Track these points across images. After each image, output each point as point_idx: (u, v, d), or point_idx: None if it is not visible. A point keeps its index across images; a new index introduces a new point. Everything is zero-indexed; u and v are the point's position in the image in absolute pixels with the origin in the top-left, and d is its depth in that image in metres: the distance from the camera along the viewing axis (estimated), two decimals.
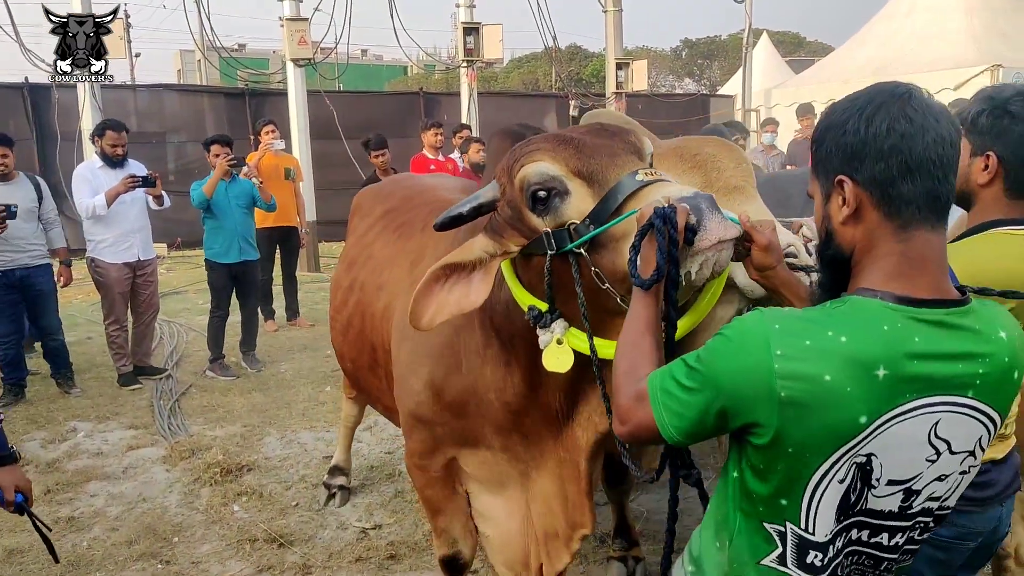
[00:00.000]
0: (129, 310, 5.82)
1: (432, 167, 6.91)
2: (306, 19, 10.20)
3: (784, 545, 1.15)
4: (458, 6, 11.87)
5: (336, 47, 11.35)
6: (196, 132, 12.59)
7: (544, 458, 2.08)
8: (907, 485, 1.11)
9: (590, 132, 1.67)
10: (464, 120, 11.64)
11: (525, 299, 1.75)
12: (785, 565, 1.16)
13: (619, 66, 12.91)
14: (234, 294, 6.05)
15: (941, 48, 11.62)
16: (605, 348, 1.59)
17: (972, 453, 1.14)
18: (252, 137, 11.32)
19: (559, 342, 1.68)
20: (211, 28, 10.68)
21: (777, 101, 14.00)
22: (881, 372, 1.03)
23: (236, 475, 4.16)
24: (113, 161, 5.58)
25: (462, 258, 1.71)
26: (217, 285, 5.97)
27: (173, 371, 6.03)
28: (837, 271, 1.18)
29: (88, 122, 8.99)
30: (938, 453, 1.10)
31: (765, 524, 1.16)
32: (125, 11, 16.38)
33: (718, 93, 19.11)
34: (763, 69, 17.60)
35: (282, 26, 10.10)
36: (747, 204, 1.91)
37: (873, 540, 1.17)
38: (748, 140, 8.19)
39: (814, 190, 1.20)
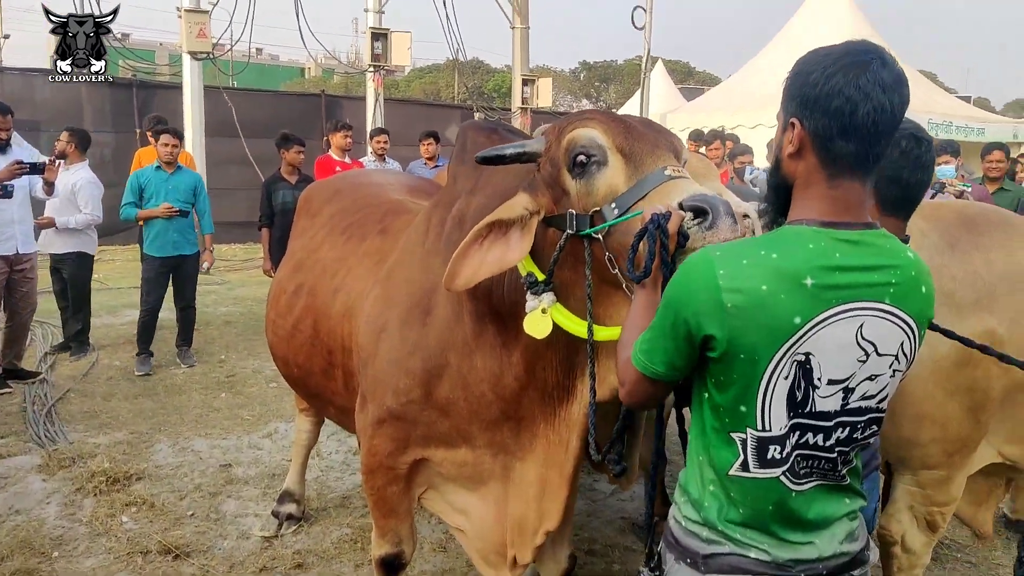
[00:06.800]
0: (2, 308, 5.35)
1: (338, 169, 6.74)
2: (206, 12, 9.81)
3: (745, 452, 1.31)
4: (366, 11, 11.73)
5: (234, 44, 10.95)
6: (72, 122, 11.71)
7: (533, 444, 2.06)
8: (844, 384, 1.28)
9: (641, 122, 1.79)
10: (370, 125, 11.48)
11: (527, 265, 1.82)
12: (747, 470, 1.31)
13: (525, 82, 13.12)
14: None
15: None
16: (600, 331, 1.73)
17: (896, 357, 1.31)
18: (138, 131, 10.74)
19: (543, 311, 1.78)
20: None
21: (671, 125, 14.59)
22: (809, 282, 1.22)
23: (124, 484, 3.89)
24: None
25: (505, 215, 1.77)
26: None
27: (48, 374, 5.59)
28: (783, 197, 1.36)
29: None
30: (867, 354, 1.28)
31: (731, 434, 1.31)
32: None
33: None
34: (658, 94, 18.33)
35: (180, 17, 9.66)
36: (710, 185, 2.16)
37: (824, 444, 1.32)
38: None
39: (779, 118, 1.36)
